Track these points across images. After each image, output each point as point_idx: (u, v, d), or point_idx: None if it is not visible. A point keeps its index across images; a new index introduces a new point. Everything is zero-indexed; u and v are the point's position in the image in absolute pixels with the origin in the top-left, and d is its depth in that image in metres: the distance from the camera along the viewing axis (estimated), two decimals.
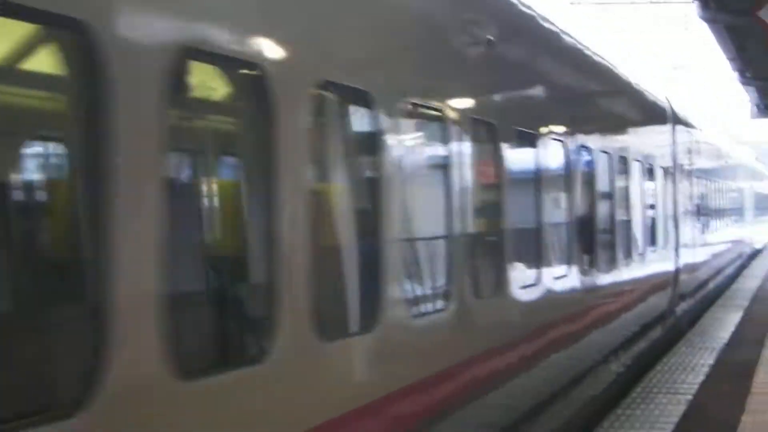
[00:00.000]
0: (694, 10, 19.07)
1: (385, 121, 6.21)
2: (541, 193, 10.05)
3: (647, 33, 41.18)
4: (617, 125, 14.73)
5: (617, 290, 13.65)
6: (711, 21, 17.10)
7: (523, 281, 9.29)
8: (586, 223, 11.93)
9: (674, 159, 19.43)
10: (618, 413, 12.36)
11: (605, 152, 13.03)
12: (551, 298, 10.28)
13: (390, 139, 6.28)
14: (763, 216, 55.69)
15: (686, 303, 20.46)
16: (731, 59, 21.15)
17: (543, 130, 10.27)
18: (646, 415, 12.25)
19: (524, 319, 9.46)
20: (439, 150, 7.47)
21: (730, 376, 14.79)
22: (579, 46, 12.39)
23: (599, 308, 12.63)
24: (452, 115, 7.53)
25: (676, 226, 19.24)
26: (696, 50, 44.45)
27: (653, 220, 16.84)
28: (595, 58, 13.32)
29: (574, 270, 11.26)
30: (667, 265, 18.16)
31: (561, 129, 10.98)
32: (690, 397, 13.28)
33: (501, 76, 9.19)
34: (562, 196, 11.05)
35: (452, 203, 7.41)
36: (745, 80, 23.64)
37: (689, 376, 14.86)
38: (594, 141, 12.44)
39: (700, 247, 22.89)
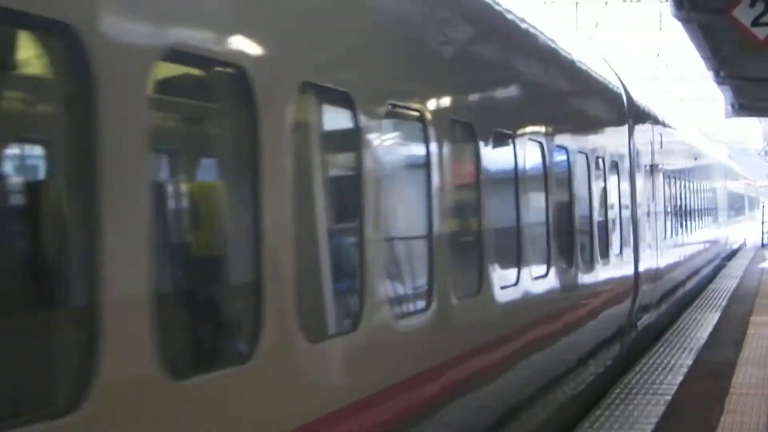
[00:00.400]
0: (667, 9, 19.09)
1: None
2: (439, 192, 7.60)
3: (621, 32, 41.31)
4: (557, 110, 12.05)
5: (559, 308, 11.41)
6: (685, 20, 17.09)
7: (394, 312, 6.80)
8: (511, 226, 9.59)
9: (632, 153, 16.77)
10: (597, 414, 12.29)
11: (536, 141, 10.51)
12: (451, 328, 7.94)
13: None
14: (738, 216, 55.59)
15: (650, 315, 18.42)
16: (706, 59, 21.16)
17: (435, 108, 7.66)
18: (625, 416, 12.18)
19: (400, 360, 6.91)
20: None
21: (709, 376, 14.76)
22: (504, 13, 10.07)
23: (534, 331, 10.39)
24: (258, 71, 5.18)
25: (636, 229, 16.72)
26: (669, 49, 44.63)
27: (605, 223, 14.21)
28: (526, 28, 10.90)
29: (493, 287, 8.75)
30: (624, 275, 15.71)
31: (465, 108, 8.52)
32: (669, 397, 13.23)
33: (354, 27, 6.49)
34: (471, 194, 8.47)
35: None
36: (720, 80, 23.67)
37: (668, 376, 14.82)
38: (519, 127, 9.99)
39: (666, 251, 20.62)
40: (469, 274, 8.36)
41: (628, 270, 16.03)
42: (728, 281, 32.44)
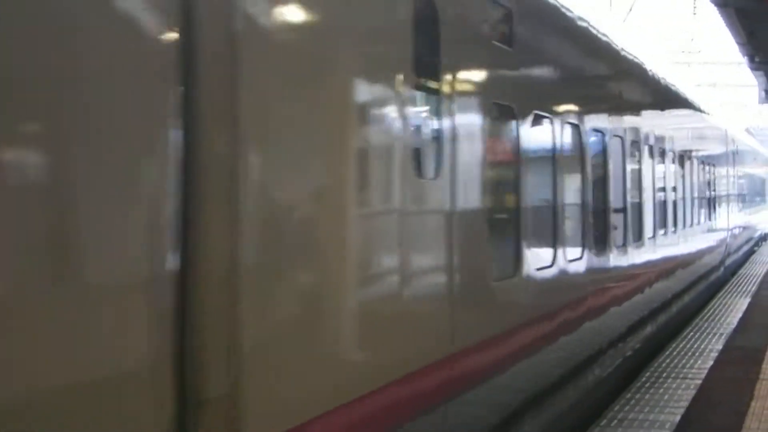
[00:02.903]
0: None
1: None
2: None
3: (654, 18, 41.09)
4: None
5: None
6: (721, 5, 17.03)
7: None
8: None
9: None
10: (628, 397, 12.36)
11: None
12: None
13: None
14: (762, 204, 46.05)
15: None
16: (741, 44, 21.07)
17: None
18: (656, 399, 12.24)
19: None
20: None
21: (739, 361, 14.77)
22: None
23: None
24: None
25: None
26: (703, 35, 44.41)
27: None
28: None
29: None
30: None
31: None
32: (699, 381, 13.27)
33: None
34: None
35: None
36: (755, 65, 23.55)
37: (698, 360, 14.85)
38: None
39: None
40: None
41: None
42: (758, 267, 32.32)
